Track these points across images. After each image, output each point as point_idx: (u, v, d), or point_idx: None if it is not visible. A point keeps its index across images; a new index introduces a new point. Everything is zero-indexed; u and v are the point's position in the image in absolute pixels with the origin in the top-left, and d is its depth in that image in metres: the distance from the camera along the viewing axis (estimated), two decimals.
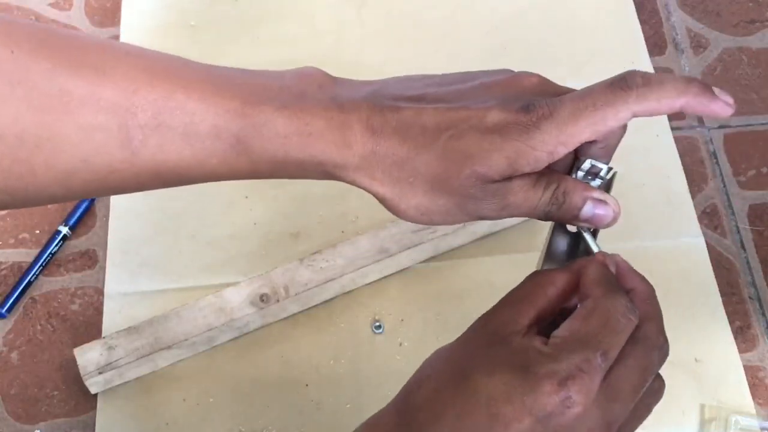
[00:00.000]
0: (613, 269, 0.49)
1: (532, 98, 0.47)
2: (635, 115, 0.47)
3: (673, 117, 0.88)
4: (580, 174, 0.50)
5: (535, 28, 0.94)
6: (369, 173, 0.48)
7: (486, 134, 0.46)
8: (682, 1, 0.97)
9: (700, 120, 0.89)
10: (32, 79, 0.44)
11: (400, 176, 0.48)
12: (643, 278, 0.50)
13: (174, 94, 0.47)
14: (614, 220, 0.49)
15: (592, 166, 0.49)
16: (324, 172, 0.49)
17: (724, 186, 0.85)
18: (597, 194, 0.49)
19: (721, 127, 0.89)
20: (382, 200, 0.50)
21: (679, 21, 0.96)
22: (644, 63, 0.91)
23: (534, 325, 0.47)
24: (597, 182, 0.50)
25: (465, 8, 0.95)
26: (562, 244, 0.53)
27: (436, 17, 0.95)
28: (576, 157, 0.51)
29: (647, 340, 0.47)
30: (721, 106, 0.47)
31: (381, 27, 0.94)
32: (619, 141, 0.51)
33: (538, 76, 0.50)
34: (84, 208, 0.82)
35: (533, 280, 0.49)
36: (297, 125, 0.48)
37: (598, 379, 0.44)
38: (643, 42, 0.93)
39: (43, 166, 0.45)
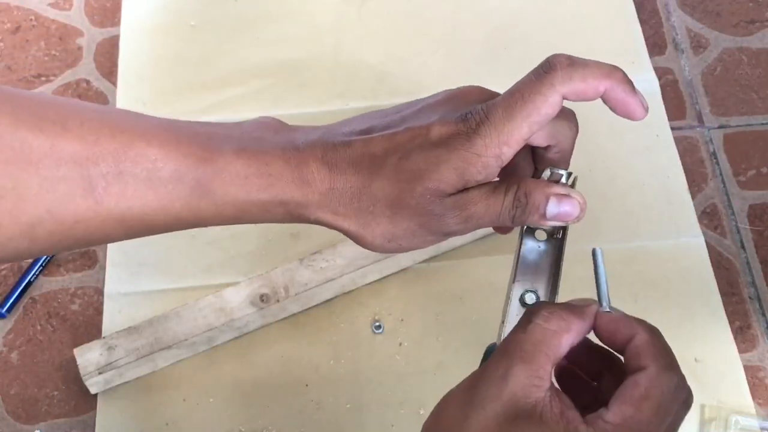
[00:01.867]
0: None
1: (469, 107, 0.48)
2: (566, 98, 0.47)
3: (673, 117, 0.88)
4: None
5: (535, 28, 0.94)
6: (331, 209, 0.50)
7: (431, 149, 0.47)
8: (682, 1, 0.97)
9: (700, 120, 0.89)
10: None
11: (360, 207, 0.49)
12: (645, 323, 0.48)
13: (134, 142, 0.48)
14: (582, 213, 0.49)
15: (552, 173, 0.50)
16: (287, 212, 0.50)
17: (724, 186, 0.85)
18: (559, 189, 0.48)
19: (721, 127, 0.89)
20: (348, 234, 0.51)
21: (679, 21, 0.96)
22: (644, 63, 0.91)
23: (552, 382, 0.45)
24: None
25: (465, 8, 0.95)
26: (533, 253, 0.52)
27: (436, 17, 0.95)
28: (536, 168, 0.52)
29: (672, 400, 0.44)
30: (638, 103, 0.48)
31: (381, 27, 0.94)
32: (572, 144, 0.51)
33: (478, 87, 0.51)
34: None
35: (545, 324, 0.45)
36: (257, 166, 0.49)
37: None
38: (643, 42, 0.93)
39: (8, 217, 0.46)
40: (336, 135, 0.51)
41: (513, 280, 0.52)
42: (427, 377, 0.74)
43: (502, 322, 0.51)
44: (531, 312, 0.47)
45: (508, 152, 0.47)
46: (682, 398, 0.45)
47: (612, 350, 0.47)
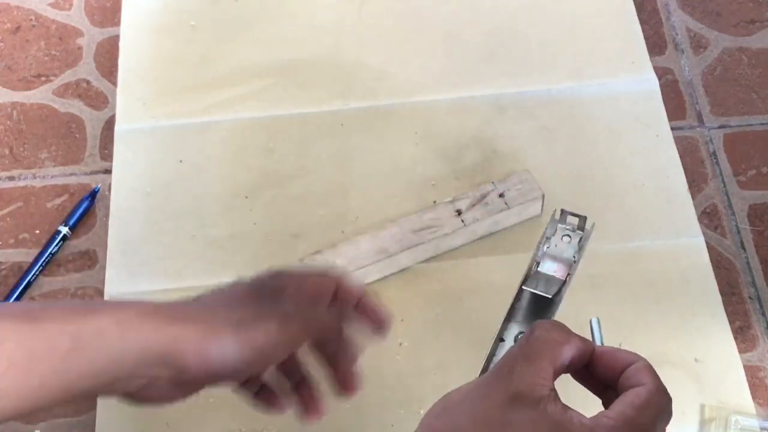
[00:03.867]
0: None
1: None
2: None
3: (673, 117, 0.88)
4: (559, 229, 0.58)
5: (536, 28, 0.94)
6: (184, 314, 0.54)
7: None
8: (682, 1, 0.97)
9: (700, 120, 0.89)
10: None
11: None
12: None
13: None
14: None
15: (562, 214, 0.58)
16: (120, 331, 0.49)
17: (724, 186, 0.85)
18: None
19: (721, 127, 0.89)
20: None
21: (679, 21, 0.96)
22: (644, 63, 0.91)
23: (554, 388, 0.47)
24: (577, 236, 0.55)
25: (465, 8, 0.95)
26: (530, 302, 0.56)
27: (436, 17, 0.95)
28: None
29: (663, 413, 0.47)
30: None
31: (381, 27, 0.94)
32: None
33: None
34: (84, 208, 0.82)
35: (548, 334, 0.48)
36: (89, 302, 0.48)
37: None
38: (643, 42, 0.93)
39: None
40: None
41: (508, 320, 0.53)
42: (427, 377, 0.74)
43: (489, 359, 0.52)
44: (535, 324, 0.49)
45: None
46: (668, 419, 0.47)
47: (605, 382, 0.49)
